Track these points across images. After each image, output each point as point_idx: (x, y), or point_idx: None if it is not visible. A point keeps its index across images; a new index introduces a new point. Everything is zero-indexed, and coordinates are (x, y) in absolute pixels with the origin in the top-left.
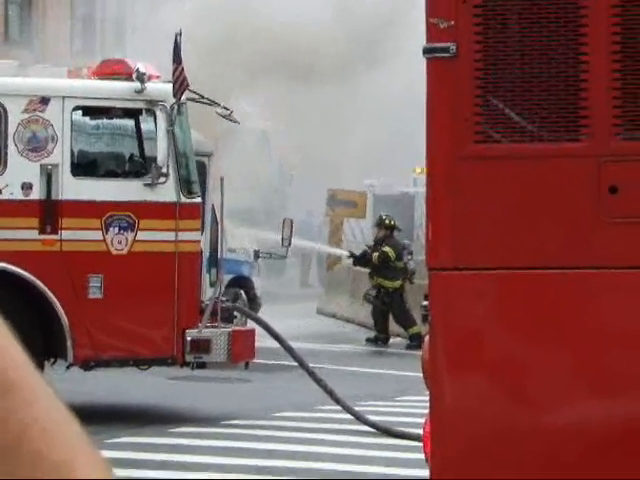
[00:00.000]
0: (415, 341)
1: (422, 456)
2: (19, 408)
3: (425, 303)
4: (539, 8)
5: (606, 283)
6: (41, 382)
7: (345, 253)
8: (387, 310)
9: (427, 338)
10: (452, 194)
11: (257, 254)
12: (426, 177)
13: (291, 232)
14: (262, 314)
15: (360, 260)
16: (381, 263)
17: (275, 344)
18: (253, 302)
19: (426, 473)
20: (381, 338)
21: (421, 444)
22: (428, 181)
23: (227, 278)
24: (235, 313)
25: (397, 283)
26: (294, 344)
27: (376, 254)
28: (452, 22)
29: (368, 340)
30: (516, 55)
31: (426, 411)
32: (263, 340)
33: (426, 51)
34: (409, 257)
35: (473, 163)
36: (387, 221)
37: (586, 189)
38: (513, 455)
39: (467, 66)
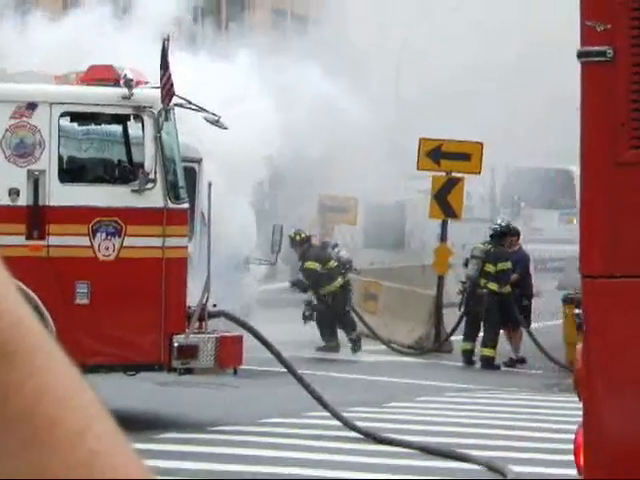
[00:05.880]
0: (356, 345)
1: (408, 462)
2: (34, 374)
3: (578, 311)
4: None
5: None
6: (56, 348)
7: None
8: (333, 315)
9: (580, 347)
10: (607, 201)
11: (247, 260)
12: (581, 183)
13: (281, 238)
14: (252, 320)
15: (300, 287)
16: (312, 278)
17: (264, 350)
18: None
19: (412, 479)
20: (332, 347)
21: (418, 451)
22: (583, 187)
23: None
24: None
25: (337, 283)
26: (283, 350)
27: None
28: (609, 25)
29: (319, 349)
30: None
31: (422, 418)
32: (253, 347)
33: (581, 55)
34: (337, 250)
35: (630, 169)
36: (297, 237)
37: None
38: None
39: (624, 70)
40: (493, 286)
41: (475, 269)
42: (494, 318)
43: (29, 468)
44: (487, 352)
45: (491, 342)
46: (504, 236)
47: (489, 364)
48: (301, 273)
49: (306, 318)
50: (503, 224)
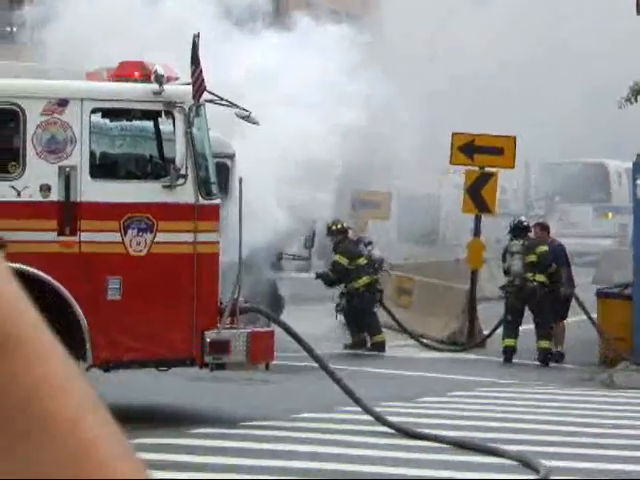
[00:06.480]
0: (378, 350)
1: (440, 457)
2: (31, 365)
3: None
4: None
5: None
6: (52, 339)
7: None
8: (358, 313)
9: None
10: None
11: (280, 256)
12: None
13: (314, 234)
14: (285, 316)
15: (325, 280)
16: (339, 272)
17: (296, 345)
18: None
19: (444, 474)
20: (356, 342)
21: (450, 445)
22: None
23: None
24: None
25: (363, 280)
26: (314, 345)
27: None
28: None
29: (346, 346)
30: None
31: (454, 412)
32: (285, 342)
33: None
34: (369, 248)
35: None
36: (334, 227)
37: None
38: None
39: None
40: (541, 278)
41: (520, 264)
42: (547, 310)
43: (21, 463)
44: (544, 344)
45: (547, 334)
46: (524, 231)
47: (546, 356)
48: (330, 265)
49: (338, 311)
50: (523, 220)
